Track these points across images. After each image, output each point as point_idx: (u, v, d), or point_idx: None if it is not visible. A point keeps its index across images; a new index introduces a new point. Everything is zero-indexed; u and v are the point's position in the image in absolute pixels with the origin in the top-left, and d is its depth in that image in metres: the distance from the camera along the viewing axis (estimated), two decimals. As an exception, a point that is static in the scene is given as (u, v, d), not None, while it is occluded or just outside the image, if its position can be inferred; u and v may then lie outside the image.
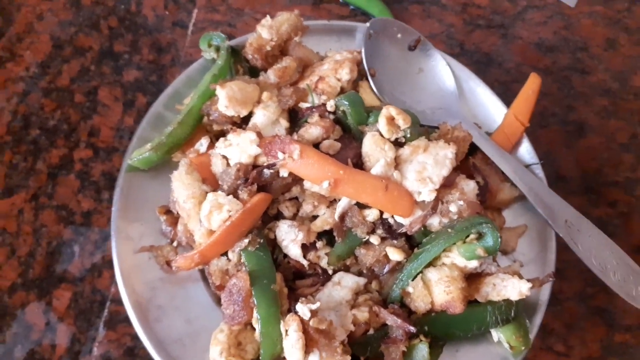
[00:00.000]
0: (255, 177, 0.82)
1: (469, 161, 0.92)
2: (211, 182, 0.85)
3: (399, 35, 1.04)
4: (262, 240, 0.81)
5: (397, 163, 0.84)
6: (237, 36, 1.02)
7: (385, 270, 0.84)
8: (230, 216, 0.79)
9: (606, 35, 1.31)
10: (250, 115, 0.89)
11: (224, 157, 0.85)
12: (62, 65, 1.17)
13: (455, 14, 1.31)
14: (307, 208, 0.85)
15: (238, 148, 0.83)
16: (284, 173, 0.82)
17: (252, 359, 0.80)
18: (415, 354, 0.79)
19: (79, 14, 1.23)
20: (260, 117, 0.87)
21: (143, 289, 0.85)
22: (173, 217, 0.88)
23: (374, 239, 0.84)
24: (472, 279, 0.83)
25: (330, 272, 0.86)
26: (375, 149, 0.83)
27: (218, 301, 0.83)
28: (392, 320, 0.78)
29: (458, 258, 0.81)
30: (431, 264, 0.82)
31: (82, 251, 1.01)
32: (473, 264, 0.81)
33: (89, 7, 1.24)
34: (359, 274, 0.86)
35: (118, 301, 0.96)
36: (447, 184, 0.84)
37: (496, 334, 0.85)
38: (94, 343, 0.94)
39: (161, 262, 0.87)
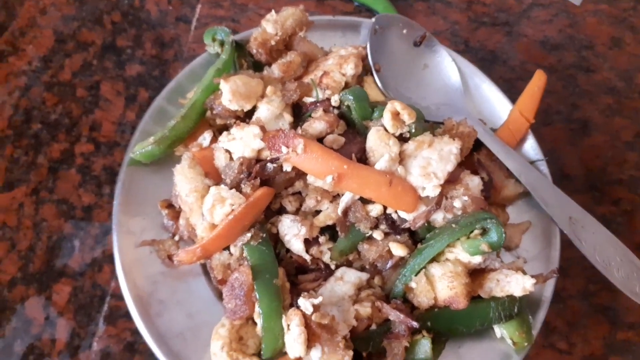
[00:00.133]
0: (258, 171, 0.81)
1: (474, 157, 0.92)
2: (214, 176, 0.85)
3: (405, 31, 1.04)
4: (264, 235, 0.81)
5: (401, 158, 0.84)
6: (240, 32, 1.01)
7: (388, 265, 0.84)
8: (233, 210, 0.78)
9: (611, 33, 1.30)
10: (253, 109, 0.89)
11: (227, 151, 0.85)
12: (65, 59, 1.17)
13: (460, 11, 1.30)
14: (310, 203, 0.84)
15: (241, 142, 0.83)
16: (287, 167, 0.81)
17: (254, 354, 0.80)
18: (418, 349, 0.79)
19: (82, 9, 1.22)
20: (264, 111, 0.87)
21: (144, 283, 0.85)
22: (175, 211, 0.88)
23: (377, 234, 0.84)
24: (476, 274, 0.82)
25: (332, 267, 0.85)
26: (379, 144, 0.83)
27: (220, 296, 0.83)
28: (394, 315, 0.78)
29: (462, 254, 0.80)
30: (435, 259, 0.82)
31: (82, 246, 1.01)
32: (477, 260, 0.80)
33: (92, 1, 1.23)
34: (362, 269, 0.86)
35: (118, 296, 0.96)
36: (452, 180, 0.84)
37: (499, 330, 0.84)
38: (93, 338, 0.94)
39: (162, 256, 0.86)
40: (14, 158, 1.06)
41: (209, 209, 0.79)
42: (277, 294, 0.78)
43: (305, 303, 0.74)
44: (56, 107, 1.12)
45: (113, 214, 0.88)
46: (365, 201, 0.83)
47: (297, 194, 0.86)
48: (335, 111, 0.88)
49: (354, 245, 0.85)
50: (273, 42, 0.94)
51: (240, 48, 0.97)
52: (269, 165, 0.81)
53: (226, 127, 0.89)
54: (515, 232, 0.91)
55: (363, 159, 0.84)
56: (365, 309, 0.80)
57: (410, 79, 1.01)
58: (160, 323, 0.82)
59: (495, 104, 1.02)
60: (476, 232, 0.80)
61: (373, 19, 1.03)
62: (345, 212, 0.83)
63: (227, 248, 0.81)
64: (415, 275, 0.81)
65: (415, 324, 0.77)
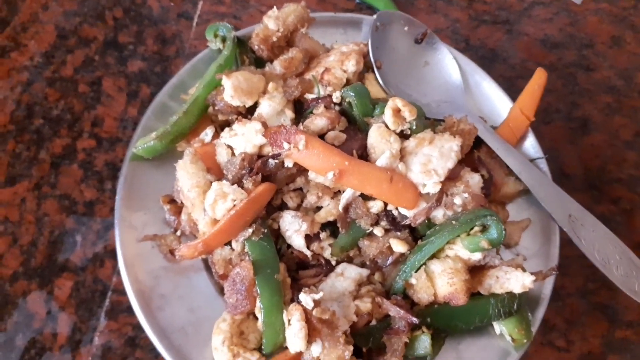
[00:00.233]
0: (260, 167, 0.82)
1: (474, 154, 0.92)
2: (215, 172, 0.85)
3: (406, 28, 1.04)
4: (265, 230, 0.81)
5: (402, 155, 0.84)
6: (242, 28, 1.01)
7: (389, 261, 0.84)
8: (234, 205, 0.79)
9: (612, 32, 1.31)
10: (255, 105, 0.89)
11: (229, 146, 0.85)
12: (67, 55, 1.17)
13: (461, 9, 1.31)
14: (311, 199, 0.85)
15: (243, 138, 0.83)
16: (288, 163, 0.82)
17: (255, 348, 0.80)
18: (418, 345, 0.79)
19: (84, 4, 1.23)
20: (266, 107, 0.87)
21: (146, 277, 0.85)
22: (177, 206, 0.88)
23: (378, 231, 0.84)
24: (476, 271, 0.83)
25: (333, 263, 0.86)
26: (380, 140, 0.83)
27: (221, 290, 0.83)
28: (394, 311, 0.78)
29: (462, 250, 0.81)
30: (435, 256, 0.82)
31: (84, 241, 1.01)
32: (477, 257, 0.81)
33: (94, -3, 1.24)
34: (362, 265, 0.86)
35: (120, 291, 0.96)
36: (452, 177, 0.84)
37: (498, 327, 0.85)
38: (95, 332, 0.94)
39: (164, 251, 0.87)
40: (16, 153, 1.06)
41: (211, 205, 0.79)
42: (278, 288, 0.78)
43: (306, 298, 0.75)
44: (58, 103, 1.12)
45: (115, 209, 0.88)
46: (366, 198, 0.84)
47: (298, 190, 0.87)
48: (337, 108, 0.88)
49: (355, 242, 0.85)
50: (275, 39, 0.95)
51: (242, 44, 0.97)
52: (271, 161, 0.82)
53: (228, 123, 0.90)
54: (515, 230, 0.92)
55: (364, 155, 0.85)
56: (365, 305, 0.80)
57: (411, 76, 1.02)
58: (162, 317, 0.83)
59: (495, 101, 1.03)
60: (476, 229, 0.80)
61: (374, 16, 1.03)
62: (346, 208, 0.84)
63: (229, 243, 0.82)
64: (416, 271, 0.82)
65: (415, 320, 0.78)
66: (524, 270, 0.80)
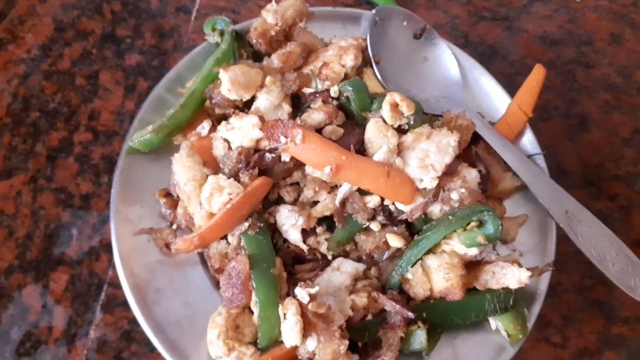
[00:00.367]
0: (256, 160, 0.81)
1: (472, 150, 0.92)
2: (212, 166, 0.85)
3: (405, 23, 1.04)
4: (262, 224, 0.81)
5: (399, 150, 0.84)
6: (240, 22, 1.01)
7: (385, 256, 0.84)
8: (230, 199, 0.78)
9: (611, 29, 1.30)
10: (252, 99, 0.89)
11: (226, 140, 0.85)
12: (64, 48, 1.16)
13: (461, 5, 1.30)
14: (308, 193, 0.84)
15: (240, 131, 0.83)
16: (285, 157, 0.81)
17: (250, 342, 0.80)
18: (413, 339, 0.79)
19: (82, -3, 1.22)
20: (263, 101, 0.87)
21: (142, 271, 0.85)
22: (173, 200, 0.88)
23: (374, 226, 0.84)
24: (472, 266, 0.83)
25: (329, 257, 0.86)
26: (378, 135, 0.83)
27: (217, 284, 0.83)
28: (390, 305, 0.78)
29: (458, 245, 0.81)
30: (431, 251, 0.82)
31: (80, 234, 1.01)
32: (473, 252, 0.81)
33: (92, -10, 1.23)
34: (359, 259, 0.86)
35: (115, 285, 0.96)
36: (449, 172, 0.84)
37: (494, 322, 0.85)
38: (90, 326, 0.94)
39: (160, 245, 0.87)
40: (12, 146, 1.06)
41: (207, 198, 0.79)
42: (274, 283, 0.78)
43: (301, 292, 0.75)
44: (55, 96, 1.11)
45: (111, 202, 0.88)
46: (362, 192, 0.84)
47: (295, 185, 0.87)
48: (335, 102, 0.88)
49: (351, 236, 0.85)
50: (273, 33, 0.94)
51: (240, 38, 0.97)
52: (268, 155, 0.81)
53: (225, 117, 0.89)
54: (512, 225, 0.92)
55: (361, 150, 0.85)
56: (361, 299, 0.80)
57: (410, 72, 1.02)
58: (157, 311, 0.82)
59: (494, 97, 1.02)
60: (473, 224, 0.80)
61: (373, 11, 1.03)
62: (343, 203, 0.84)
63: (225, 237, 0.82)
64: (412, 266, 0.82)
65: (410, 315, 0.77)
66: (520, 265, 0.80)
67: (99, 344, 0.93)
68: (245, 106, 0.90)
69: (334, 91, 0.88)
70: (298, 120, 0.84)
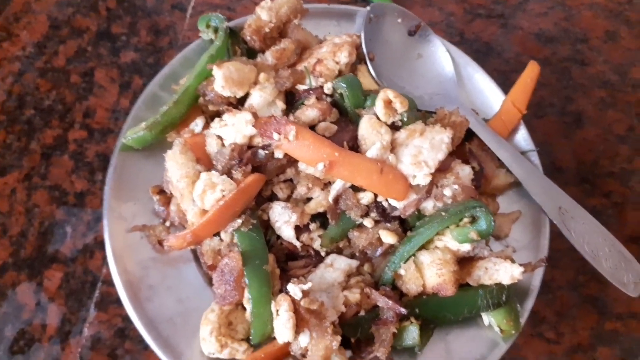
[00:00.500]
0: (249, 157, 0.81)
1: (465, 146, 0.92)
2: (205, 163, 0.85)
3: (399, 20, 1.04)
4: (255, 221, 0.81)
5: (393, 146, 0.84)
6: (235, 20, 1.01)
7: (378, 253, 0.84)
8: (223, 196, 0.78)
9: (606, 27, 1.30)
10: (246, 96, 0.89)
11: (219, 137, 0.85)
12: (59, 45, 1.16)
13: (456, 2, 1.30)
14: (301, 190, 0.84)
15: (233, 128, 0.83)
16: (278, 154, 0.81)
17: (243, 339, 0.80)
18: (406, 335, 0.79)
19: (77, -5, 1.22)
20: (257, 98, 0.87)
21: (134, 268, 0.85)
22: (166, 197, 0.88)
23: (368, 222, 0.84)
24: (465, 262, 0.83)
25: (322, 254, 0.86)
26: (371, 132, 0.83)
27: (210, 281, 0.83)
28: (383, 301, 0.78)
29: (451, 241, 0.81)
30: (424, 247, 0.82)
31: (74, 232, 1.01)
32: (466, 248, 0.81)
33: (87, -13, 1.23)
34: (352, 256, 0.86)
35: (109, 282, 0.96)
36: (443, 169, 0.84)
37: (487, 318, 0.85)
38: (84, 324, 0.94)
39: (153, 242, 0.87)
40: (6, 143, 1.06)
41: (200, 195, 0.79)
42: (267, 279, 0.78)
43: (294, 289, 0.75)
44: (50, 93, 1.11)
45: (104, 199, 0.88)
46: (356, 189, 0.83)
47: (288, 181, 0.87)
48: (328, 99, 0.88)
49: (344, 233, 0.85)
50: (267, 29, 0.94)
51: (234, 35, 0.96)
52: (261, 151, 0.81)
53: (218, 114, 0.89)
54: (505, 222, 0.92)
55: (355, 146, 0.85)
56: (354, 296, 0.80)
57: (404, 69, 1.01)
58: (150, 308, 0.82)
59: (488, 94, 1.02)
60: (465, 220, 0.80)
61: (368, 8, 1.03)
62: (336, 199, 0.84)
63: (218, 234, 0.82)
64: (405, 262, 0.82)
65: (403, 311, 0.77)
66: (513, 261, 0.80)
67: (92, 342, 0.93)
68: (238, 103, 0.89)
69: (327, 88, 0.88)
70: (291, 117, 0.84)
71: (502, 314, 0.82)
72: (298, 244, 0.84)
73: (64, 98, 1.11)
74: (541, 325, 1.01)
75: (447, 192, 0.82)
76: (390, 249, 0.84)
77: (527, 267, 0.80)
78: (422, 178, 0.82)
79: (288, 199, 0.86)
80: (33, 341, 0.92)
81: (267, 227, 0.85)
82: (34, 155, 1.06)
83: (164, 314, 0.83)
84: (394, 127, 0.86)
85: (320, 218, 0.86)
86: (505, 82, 1.05)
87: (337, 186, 0.83)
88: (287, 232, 0.83)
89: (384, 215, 0.84)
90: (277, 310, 0.75)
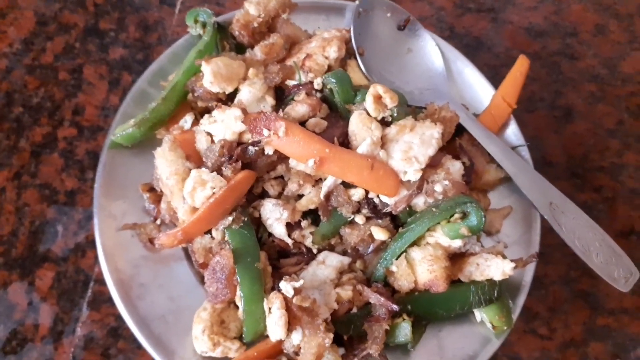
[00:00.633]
0: (239, 154, 0.81)
1: (456, 142, 0.92)
2: (195, 159, 0.84)
3: (389, 15, 1.03)
4: (246, 219, 0.81)
5: (383, 142, 0.84)
6: (224, 14, 1.00)
7: (370, 249, 0.84)
8: (213, 193, 0.78)
9: (596, 21, 1.31)
10: (235, 92, 0.88)
11: (209, 133, 0.84)
12: (46, 42, 1.15)
13: (446, -4, 1.30)
14: (292, 187, 0.84)
15: (222, 125, 0.82)
16: (269, 151, 0.81)
17: (235, 337, 0.80)
18: (398, 332, 0.79)
19: (64, -10, 1.21)
20: (246, 93, 0.86)
21: (126, 266, 0.84)
22: (156, 195, 0.88)
23: (359, 219, 0.84)
24: (456, 258, 0.83)
25: (314, 251, 0.86)
26: (361, 127, 0.83)
27: (201, 279, 0.83)
28: (375, 298, 0.78)
29: (442, 237, 0.81)
30: (415, 243, 0.82)
31: (65, 231, 1.00)
32: (457, 244, 0.81)
33: (74, -18, 1.22)
34: (344, 253, 0.86)
35: (102, 281, 0.95)
36: (433, 164, 0.84)
37: (479, 314, 0.85)
38: (77, 323, 0.94)
39: (144, 240, 0.86)
40: (-5, 142, 1.05)
41: (190, 192, 0.78)
42: (259, 277, 0.78)
43: (286, 286, 0.75)
44: (38, 91, 1.10)
45: (94, 198, 0.87)
46: (347, 185, 0.83)
47: (279, 178, 0.86)
48: (318, 94, 0.88)
49: (336, 230, 0.85)
50: (256, 24, 0.93)
51: (222, 30, 0.96)
52: (251, 148, 0.81)
53: (208, 110, 0.89)
54: (496, 217, 0.92)
55: (345, 142, 0.84)
56: (346, 293, 0.80)
57: (394, 63, 1.01)
58: (142, 306, 0.82)
59: (478, 89, 1.02)
60: (456, 216, 0.80)
61: (357, 2, 1.02)
62: (328, 196, 0.84)
63: (209, 232, 0.81)
64: (396, 259, 0.82)
65: (395, 307, 0.78)
66: (504, 257, 0.81)
67: (85, 341, 0.93)
68: (228, 99, 0.89)
69: (317, 83, 0.88)
70: (281, 113, 0.84)
71: (494, 310, 0.82)
72: (290, 241, 0.84)
73: (52, 95, 1.10)
74: (534, 321, 1.02)
75: (438, 187, 0.82)
76: (382, 246, 0.84)
77: (519, 263, 0.80)
78: (412, 174, 0.82)
79: (279, 196, 0.86)
80: (26, 341, 0.92)
81: (258, 225, 0.85)
82: (23, 154, 1.05)
83: (155, 312, 0.82)
84: (384, 123, 0.86)
85: (312, 215, 0.86)
86: (495, 77, 1.04)
87: (328, 183, 0.83)
88: (278, 230, 0.83)
89: (376, 211, 0.84)
90: (270, 308, 0.75)
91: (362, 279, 0.84)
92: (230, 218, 0.79)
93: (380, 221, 0.84)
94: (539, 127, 1.18)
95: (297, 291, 0.75)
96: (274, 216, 0.83)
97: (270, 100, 0.88)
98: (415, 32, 1.03)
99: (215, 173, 0.80)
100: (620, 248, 0.88)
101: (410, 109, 0.91)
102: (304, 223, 0.85)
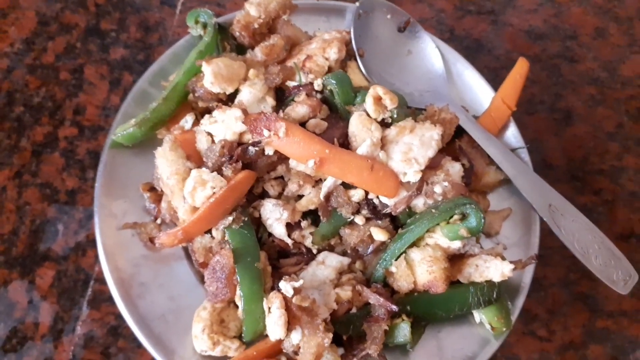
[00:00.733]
0: (240, 154, 0.81)
1: (455, 144, 0.93)
2: (195, 159, 0.84)
3: (389, 16, 1.03)
4: (246, 219, 0.81)
5: (383, 143, 0.84)
6: (224, 15, 1.00)
7: (370, 250, 0.84)
8: (214, 193, 0.78)
9: (596, 24, 1.31)
10: (236, 93, 0.88)
11: (209, 134, 0.84)
12: (48, 42, 1.15)
13: (446, -1, 1.30)
14: (292, 187, 0.84)
15: (223, 125, 0.82)
16: (269, 151, 0.81)
17: (235, 336, 0.80)
18: (397, 333, 0.79)
19: (66, -10, 1.21)
20: (247, 94, 0.86)
21: (126, 265, 0.84)
22: (157, 194, 0.88)
23: (359, 219, 0.84)
24: (455, 260, 0.83)
25: (314, 251, 0.86)
26: (361, 129, 0.83)
27: (201, 279, 0.83)
28: (374, 299, 0.78)
29: (441, 239, 0.81)
30: (415, 244, 0.82)
31: (66, 230, 1.00)
32: (456, 245, 0.81)
33: (75, -17, 1.22)
34: (343, 253, 0.86)
35: (102, 280, 0.96)
36: (433, 166, 0.84)
37: (478, 315, 0.85)
38: (77, 322, 0.94)
39: (144, 239, 0.86)
40: (-4, 141, 1.05)
41: (190, 192, 0.79)
42: (259, 277, 0.78)
43: (286, 286, 0.75)
44: (39, 90, 1.11)
45: (95, 197, 0.87)
46: (347, 186, 0.84)
47: (279, 179, 0.87)
48: (318, 95, 0.88)
49: (336, 230, 0.85)
50: (256, 25, 0.94)
51: (223, 31, 0.96)
52: (251, 148, 0.81)
53: (208, 110, 0.89)
54: (496, 219, 0.92)
55: (345, 143, 0.85)
56: (345, 293, 0.81)
57: (394, 65, 1.01)
58: (142, 305, 0.82)
59: (477, 91, 1.02)
60: (456, 217, 0.80)
61: (357, 4, 1.02)
62: (328, 197, 0.84)
63: (209, 231, 0.82)
64: (396, 259, 0.82)
65: (394, 308, 0.78)
66: (503, 258, 0.81)
67: (85, 340, 0.93)
68: (228, 99, 0.89)
69: (317, 84, 0.88)
70: (281, 114, 0.84)
71: (493, 311, 0.83)
72: (289, 242, 0.84)
73: (53, 95, 1.10)
74: (533, 323, 1.02)
75: (438, 189, 0.82)
76: (382, 246, 0.84)
77: (518, 265, 0.81)
78: (412, 175, 0.82)
79: (279, 196, 0.86)
80: (26, 340, 0.92)
81: (258, 225, 0.85)
82: (24, 153, 1.05)
83: (155, 311, 0.83)
84: (384, 124, 0.86)
85: (312, 215, 0.86)
86: (495, 79, 1.05)
87: (328, 183, 0.83)
88: (278, 230, 0.83)
89: (375, 212, 0.84)
90: (269, 308, 0.75)
91: (361, 280, 0.84)
92: (231, 218, 0.79)
93: (379, 222, 0.84)
94: (538, 129, 1.18)
95: (296, 291, 0.75)
96: (274, 216, 0.83)
97: (270, 101, 0.88)
98: (416, 34, 1.04)
99: (215, 173, 0.80)
100: (620, 251, 0.88)
101: (410, 111, 0.91)
102: (303, 223, 0.85)
